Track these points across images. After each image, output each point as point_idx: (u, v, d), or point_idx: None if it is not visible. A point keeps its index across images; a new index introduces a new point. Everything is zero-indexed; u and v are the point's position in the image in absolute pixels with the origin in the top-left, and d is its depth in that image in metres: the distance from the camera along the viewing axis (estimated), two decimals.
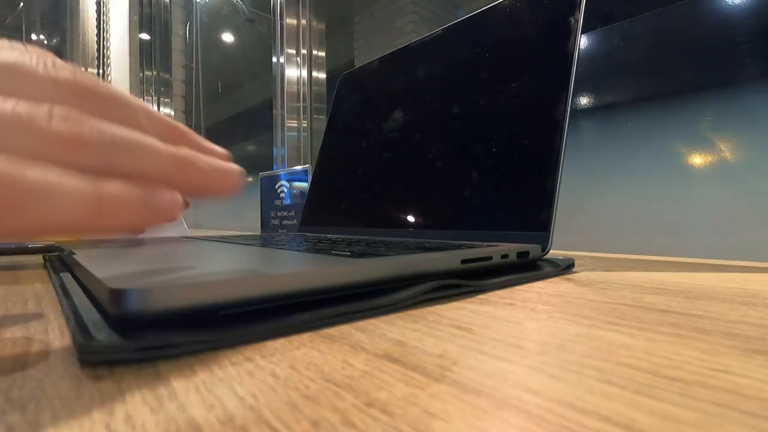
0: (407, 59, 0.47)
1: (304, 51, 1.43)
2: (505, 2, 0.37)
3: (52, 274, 0.25)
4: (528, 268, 0.26)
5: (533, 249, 0.27)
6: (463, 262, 0.22)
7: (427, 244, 0.27)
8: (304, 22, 1.43)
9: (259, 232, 0.78)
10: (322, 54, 1.46)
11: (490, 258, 0.23)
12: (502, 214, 0.31)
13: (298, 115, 1.43)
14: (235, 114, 1.65)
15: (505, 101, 0.34)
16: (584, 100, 0.70)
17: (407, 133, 0.43)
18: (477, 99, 0.36)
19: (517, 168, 0.31)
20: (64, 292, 0.19)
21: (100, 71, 1.27)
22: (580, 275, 0.26)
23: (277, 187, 0.76)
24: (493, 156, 0.33)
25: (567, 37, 0.31)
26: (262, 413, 0.09)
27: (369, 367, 0.11)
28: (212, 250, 0.27)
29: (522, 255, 0.26)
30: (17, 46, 0.13)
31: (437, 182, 0.37)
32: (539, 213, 0.28)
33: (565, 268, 0.27)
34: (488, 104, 0.35)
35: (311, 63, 1.44)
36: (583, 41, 0.72)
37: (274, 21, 1.42)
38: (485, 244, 0.27)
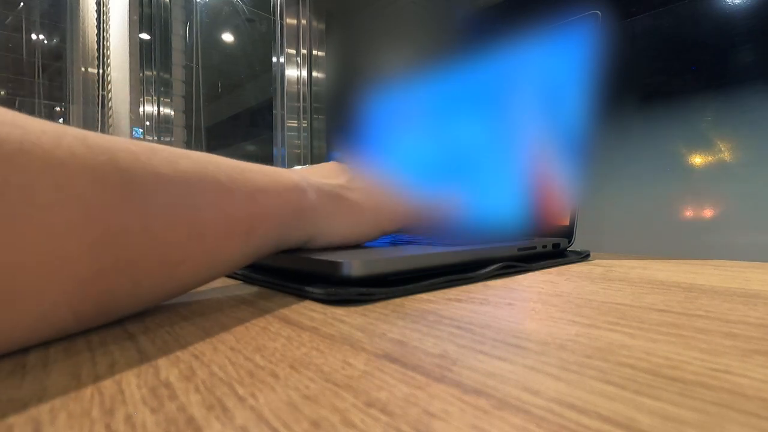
0: (452, 80, 0.49)
1: (304, 51, 1.42)
2: (529, 32, 0.42)
3: None
4: (559, 255, 0.34)
5: (563, 241, 0.35)
6: (519, 250, 0.29)
7: (492, 238, 0.35)
8: (304, 22, 1.43)
9: None
10: (322, 54, 1.46)
11: (536, 247, 0.31)
12: (541, 216, 0.39)
13: (298, 115, 1.43)
14: (235, 114, 1.65)
15: (537, 130, 0.40)
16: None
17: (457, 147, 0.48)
18: (515, 125, 0.42)
19: (555, 185, 0.39)
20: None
21: (100, 71, 1.27)
22: (580, 273, 0.26)
23: None
24: (540, 175, 0.40)
25: (574, 67, 0.37)
26: (262, 413, 0.09)
27: (369, 367, 0.11)
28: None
29: (555, 246, 0.34)
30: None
31: (487, 193, 0.44)
32: (567, 216, 0.37)
33: (585, 256, 0.35)
34: (515, 132, 0.42)
35: (311, 63, 1.44)
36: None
37: (274, 21, 1.42)
38: (534, 238, 0.35)
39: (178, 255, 0.15)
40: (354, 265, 0.20)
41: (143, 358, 0.12)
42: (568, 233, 0.36)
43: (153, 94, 1.31)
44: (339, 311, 0.17)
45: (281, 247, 0.22)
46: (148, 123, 1.31)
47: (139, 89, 1.25)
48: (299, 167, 0.28)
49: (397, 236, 0.38)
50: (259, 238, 0.19)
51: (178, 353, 0.13)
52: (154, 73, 1.32)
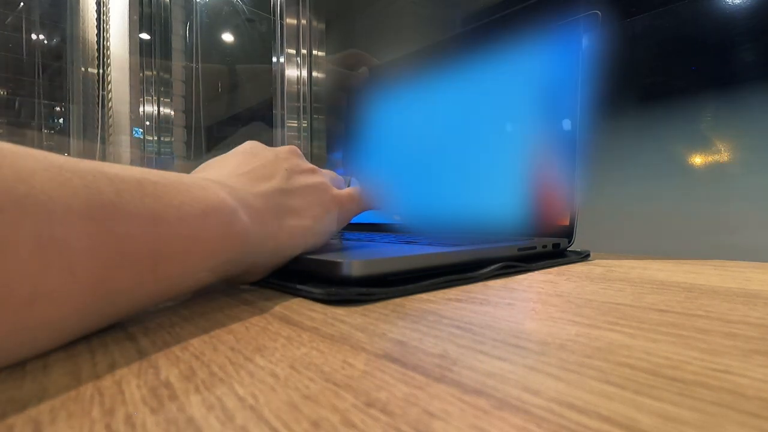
0: (440, 80, 0.50)
1: (304, 51, 1.42)
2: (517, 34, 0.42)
3: None
4: (559, 255, 0.34)
5: (562, 241, 0.35)
6: (519, 250, 0.30)
7: (492, 238, 0.35)
8: (304, 22, 1.43)
9: None
10: (322, 54, 1.46)
11: (536, 247, 0.31)
12: (540, 216, 0.39)
13: (298, 115, 1.43)
14: (235, 114, 1.65)
15: (533, 131, 0.40)
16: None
17: (445, 148, 0.48)
18: (515, 125, 0.43)
19: (554, 185, 0.39)
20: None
21: (100, 71, 1.27)
22: (580, 273, 0.26)
23: None
24: (540, 175, 0.40)
25: (574, 67, 0.38)
26: (262, 413, 0.09)
27: (369, 367, 0.11)
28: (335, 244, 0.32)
29: (555, 246, 0.34)
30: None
31: (484, 192, 0.44)
32: (567, 216, 0.37)
33: (585, 256, 0.36)
34: (515, 132, 0.42)
35: (311, 63, 1.44)
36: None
37: (274, 21, 1.42)
38: (534, 238, 0.36)
39: (26, 288, 0.11)
40: (354, 265, 0.20)
41: (143, 358, 0.12)
42: (568, 233, 0.36)
43: (153, 94, 1.31)
44: (339, 311, 0.17)
45: (218, 280, 0.19)
46: (148, 123, 1.31)
47: (139, 89, 1.25)
48: (211, 164, 0.24)
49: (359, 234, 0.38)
50: (178, 274, 0.15)
51: (178, 353, 0.13)
52: (154, 73, 1.32)
